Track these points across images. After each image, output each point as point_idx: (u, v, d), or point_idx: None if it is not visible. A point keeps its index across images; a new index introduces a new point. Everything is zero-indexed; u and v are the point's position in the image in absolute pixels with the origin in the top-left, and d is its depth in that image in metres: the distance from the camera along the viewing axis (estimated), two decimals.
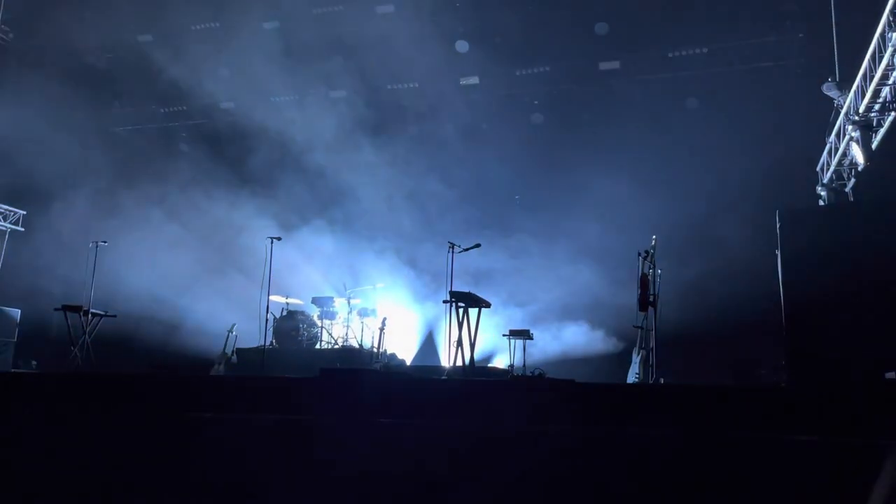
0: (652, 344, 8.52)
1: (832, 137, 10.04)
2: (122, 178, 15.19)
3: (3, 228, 13.83)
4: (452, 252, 9.75)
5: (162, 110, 16.21)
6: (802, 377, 6.46)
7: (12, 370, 10.49)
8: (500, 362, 12.61)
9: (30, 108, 14.48)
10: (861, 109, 8.71)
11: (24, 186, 14.21)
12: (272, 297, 11.52)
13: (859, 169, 9.26)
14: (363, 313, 12.44)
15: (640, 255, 8.67)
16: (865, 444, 3.87)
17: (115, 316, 11.25)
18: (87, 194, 15.08)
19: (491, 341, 12.23)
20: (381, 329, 11.81)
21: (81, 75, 15.69)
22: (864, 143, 8.83)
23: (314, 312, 12.62)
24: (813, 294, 6.78)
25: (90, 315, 10.69)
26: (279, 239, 11.27)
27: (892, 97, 8.37)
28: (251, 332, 11.81)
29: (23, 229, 14.17)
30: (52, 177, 14.58)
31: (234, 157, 15.40)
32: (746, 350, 10.73)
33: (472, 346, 8.86)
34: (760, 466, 4.00)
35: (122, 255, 13.38)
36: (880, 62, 8.07)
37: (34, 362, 12.30)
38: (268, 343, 11.60)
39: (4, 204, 13.88)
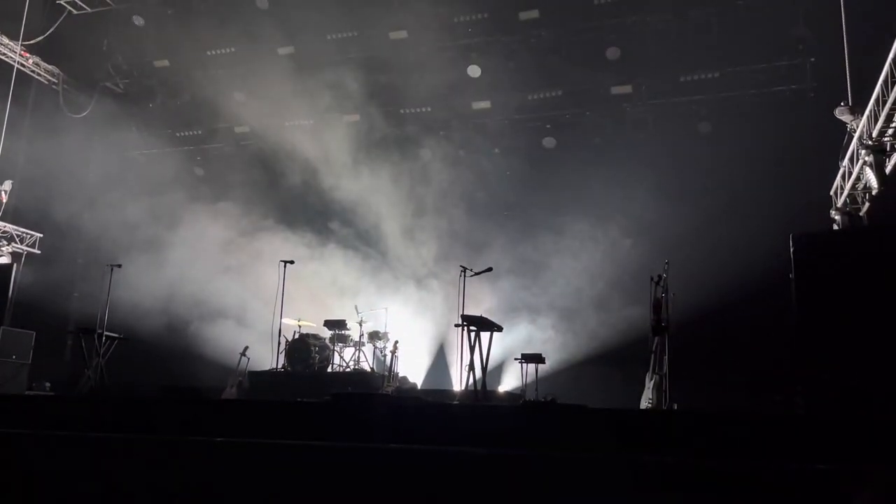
0: (665, 369, 8.45)
1: (846, 161, 9.98)
2: (137, 202, 15.35)
3: (20, 251, 13.96)
4: (464, 275, 9.76)
5: (178, 134, 16.38)
6: (819, 404, 6.38)
7: (26, 392, 10.52)
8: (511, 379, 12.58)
9: (48, 133, 14.73)
10: (874, 134, 8.67)
11: (40, 210, 14.37)
12: (285, 320, 11.56)
13: (874, 193, 9.20)
14: (375, 336, 12.43)
15: (652, 279, 8.63)
16: (884, 474, 3.81)
17: (127, 339, 11.33)
18: (102, 218, 15.25)
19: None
20: (393, 352, 11.79)
21: (99, 100, 15.96)
22: (878, 168, 8.77)
23: (326, 335, 12.62)
24: (828, 319, 6.71)
25: (104, 338, 10.75)
26: (292, 262, 11.33)
27: None
28: (263, 355, 11.83)
29: (39, 252, 14.30)
30: (68, 200, 14.76)
31: (248, 180, 15.54)
32: (762, 375, 10.61)
33: (484, 370, 8.83)
34: (778, 495, 3.94)
35: (136, 278, 13.50)
36: (893, 86, 8.05)
37: (48, 384, 12.34)
38: (279, 366, 11.61)
39: (21, 227, 14.03)
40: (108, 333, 10.85)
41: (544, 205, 13.76)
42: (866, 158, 8.93)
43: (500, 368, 12.62)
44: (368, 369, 12.30)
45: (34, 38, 14.57)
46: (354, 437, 4.93)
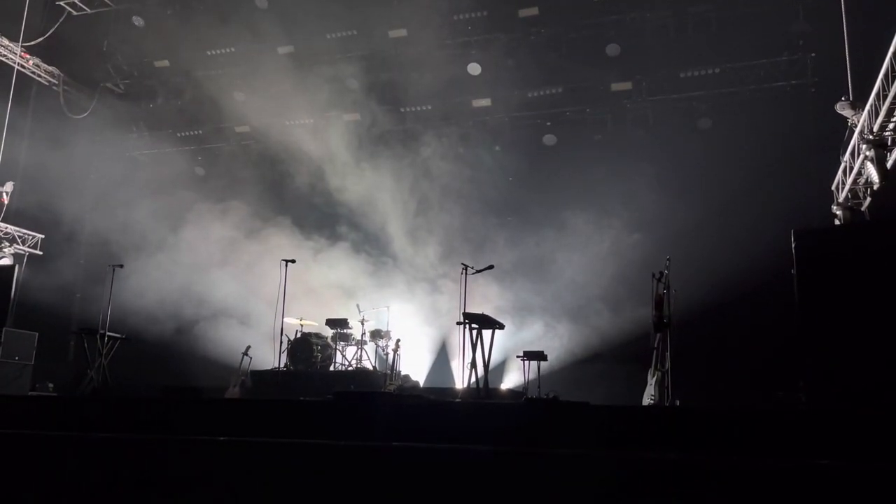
0: (667, 365, 8.45)
1: (847, 156, 9.96)
2: (139, 202, 15.36)
3: (22, 252, 13.98)
4: (466, 273, 9.76)
5: (179, 134, 16.36)
6: (822, 400, 6.36)
7: (29, 393, 10.54)
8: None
9: (49, 134, 14.74)
10: (875, 128, 8.65)
11: (42, 211, 14.38)
12: (286, 319, 11.56)
13: (875, 188, 9.18)
14: (377, 334, 12.43)
15: (654, 276, 8.63)
16: (888, 470, 3.80)
17: (129, 339, 11.34)
18: (104, 218, 15.25)
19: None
20: (395, 350, 11.80)
21: (99, 101, 15.97)
22: (879, 162, 8.74)
23: (328, 334, 12.63)
24: (830, 315, 6.70)
25: (106, 338, 10.77)
26: (293, 261, 11.33)
27: None
28: (266, 355, 11.85)
29: (41, 253, 14.31)
30: (69, 201, 14.77)
31: (250, 179, 15.55)
32: (764, 371, 10.60)
33: (486, 367, 8.84)
34: (780, 491, 3.94)
35: (138, 278, 13.51)
36: (894, 81, 8.03)
37: (50, 385, 12.36)
38: (282, 365, 11.62)
39: (22, 228, 14.04)
40: (110, 334, 10.86)
41: (545, 202, 13.74)
42: (867, 153, 8.91)
43: (502, 366, 12.64)
44: (370, 368, 12.31)
45: (34, 40, 14.59)
46: (357, 435, 4.94)
